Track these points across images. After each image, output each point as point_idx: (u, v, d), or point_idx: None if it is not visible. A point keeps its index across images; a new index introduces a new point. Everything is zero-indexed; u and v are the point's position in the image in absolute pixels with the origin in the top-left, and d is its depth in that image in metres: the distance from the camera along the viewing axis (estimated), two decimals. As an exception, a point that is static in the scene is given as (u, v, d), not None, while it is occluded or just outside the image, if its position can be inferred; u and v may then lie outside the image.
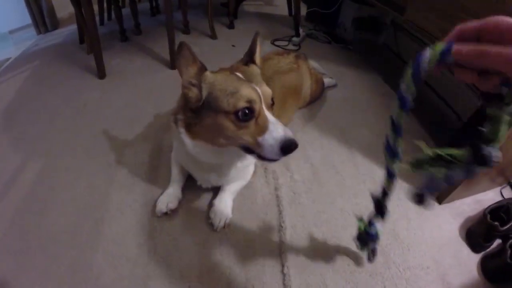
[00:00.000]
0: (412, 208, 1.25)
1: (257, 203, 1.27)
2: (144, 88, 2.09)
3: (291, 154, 0.91)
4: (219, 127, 0.96)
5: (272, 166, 1.43)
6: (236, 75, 1.00)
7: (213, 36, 2.69)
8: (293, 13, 2.93)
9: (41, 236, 1.21)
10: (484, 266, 1.11)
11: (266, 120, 0.93)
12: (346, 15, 2.69)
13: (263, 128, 0.92)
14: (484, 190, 1.38)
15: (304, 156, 1.48)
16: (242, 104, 0.91)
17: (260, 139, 0.92)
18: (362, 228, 0.95)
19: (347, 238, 1.13)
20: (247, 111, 0.92)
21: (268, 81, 1.36)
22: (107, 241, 1.17)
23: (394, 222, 1.19)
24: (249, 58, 1.10)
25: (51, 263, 1.11)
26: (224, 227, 1.18)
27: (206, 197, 1.30)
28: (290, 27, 2.89)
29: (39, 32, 3.36)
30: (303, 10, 3.04)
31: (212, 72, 1.00)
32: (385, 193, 0.80)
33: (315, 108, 1.83)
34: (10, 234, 1.23)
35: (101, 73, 2.18)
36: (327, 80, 1.97)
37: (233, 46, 2.57)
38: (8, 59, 2.79)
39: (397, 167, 0.70)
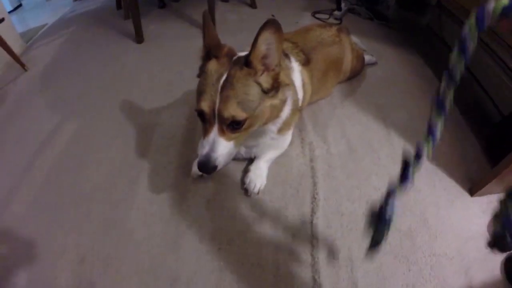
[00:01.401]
0: (444, 196, 1.22)
1: (292, 172, 1.28)
2: (182, 53, 2.10)
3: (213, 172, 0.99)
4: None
5: (309, 137, 1.43)
6: (219, 83, 0.96)
7: (253, 5, 2.66)
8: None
9: (74, 192, 1.28)
10: (507, 268, 1.08)
11: (207, 135, 0.98)
12: (390, -9, 2.58)
13: (204, 135, 1.00)
14: None
15: (341, 131, 1.47)
16: (197, 107, 0.99)
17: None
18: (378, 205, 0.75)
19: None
20: (200, 115, 1.00)
21: (310, 52, 1.36)
22: (141, 199, 1.22)
23: (425, 208, 1.17)
24: (246, 60, 0.97)
25: (84, 218, 1.18)
26: (258, 193, 1.20)
27: (241, 163, 1.32)
28: (332, 1, 2.81)
29: (74, -1, 3.39)
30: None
31: (214, 60, 1.01)
32: (418, 155, 0.67)
33: (354, 84, 1.80)
34: (44, 190, 1.30)
35: (139, 38, 2.22)
36: (367, 57, 1.92)
37: (272, 16, 2.53)
38: (44, 25, 2.84)
39: (441, 121, 0.64)
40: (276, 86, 1.02)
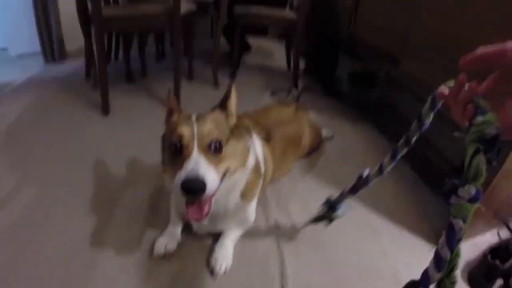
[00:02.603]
0: (412, 255, 1.27)
1: (258, 250, 1.29)
2: (147, 129, 2.10)
3: (203, 195, 0.91)
4: (166, 160, 1.07)
5: (273, 214, 1.46)
6: (192, 117, 1.06)
7: (215, 84, 2.83)
8: (292, 67, 3.08)
9: (26, 265, 1.19)
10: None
11: (188, 158, 0.94)
12: (342, 69, 2.83)
13: (183, 166, 0.93)
14: (481, 233, 1.39)
15: (304, 204, 1.52)
16: (173, 139, 0.98)
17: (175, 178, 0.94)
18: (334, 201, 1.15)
19: (351, 285, 1.16)
20: (177, 146, 0.98)
21: (270, 130, 1.44)
22: (100, 280, 1.14)
23: (396, 270, 1.21)
24: (221, 103, 1.16)
25: None
26: (224, 273, 1.18)
27: (206, 242, 1.31)
28: (289, 79, 3.03)
29: (46, 60, 3.46)
30: (301, 65, 3.19)
31: (180, 114, 1.12)
32: (366, 179, 1.01)
33: (313, 159, 1.89)
34: None
35: (105, 110, 2.26)
36: (324, 132, 2.06)
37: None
38: (11, 82, 2.83)
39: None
40: (237, 129, 1.14)
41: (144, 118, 2.27)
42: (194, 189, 0.89)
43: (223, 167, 1.02)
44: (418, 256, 1.26)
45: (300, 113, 1.78)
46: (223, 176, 1.03)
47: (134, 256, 1.23)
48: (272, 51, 4.11)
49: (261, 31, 4.51)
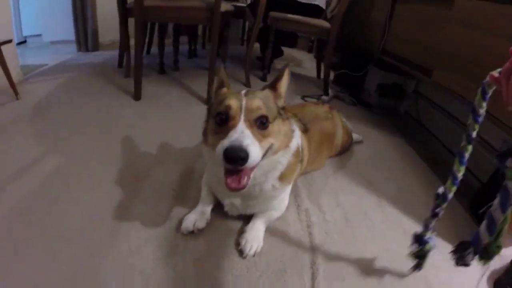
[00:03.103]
0: (440, 258, 1.22)
1: (289, 237, 1.27)
2: (178, 115, 2.17)
3: (244, 166, 0.91)
4: (209, 131, 1.06)
5: (304, 204, 1.45)
6: (241, 92, 1.07)
7: (247, 84, 2.84)
8: (323, 75, 3.11)
9: (45, 228, 1.16)
10: None
11: (233, 128, 0.94)
12: (372, 81, 2.84)
13: (227, 135, 0.93)
14: (506, 246, 1.36)
15: (335, 200, 1.50)
16: (220, 109, 0.99)
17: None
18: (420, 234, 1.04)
19: (381, 281, 1.12)
20: (223, 116, 0.99)
21: (307, 123, 1.44)
22: (121, 250, 1.11)
23: (424, 271, 1.15)
24: (271, 84, 1.17)
25: (50, 260, 1.05)
26: (253, 255, 1.15)
27: (236, 223, 1.30)
28: (318, 88, 3.05)
29: (79, 49, 3.56)
30: (331, 75, 3.22)
31: (229, 88, 1.15)
32: (445, 195, 0.94)
33: (344, 159, 1.88)
34: (9, 218, 1.19)
35: (137, 95, 2.30)
36: (355, 136, 2.05)
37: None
38: (45, 65, 2.92)
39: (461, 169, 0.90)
40: (284, 111, 1.14)
41: (174, 106, 2.31)
42: (237, 157, 0.88)
43: (266, 143, 1.02)
44: (445, 257, 1.21)
45: (334, 113, 1.78)
46: (266, 152, 1.03)
47: (159, 231, 1.22)
48: (301, 60, 4.16)
49: (291, 43, 4.57)
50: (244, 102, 1.00)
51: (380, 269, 1.17)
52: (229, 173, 0.96)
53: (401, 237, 1.33)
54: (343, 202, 1.49)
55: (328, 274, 1.12)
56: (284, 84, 1.17)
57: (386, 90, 2.74)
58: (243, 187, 0.95)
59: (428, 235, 1.01)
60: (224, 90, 1.14)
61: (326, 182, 1.63)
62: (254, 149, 0.93)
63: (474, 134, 0.84)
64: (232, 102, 0.99)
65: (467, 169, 1.73)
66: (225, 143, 0.91)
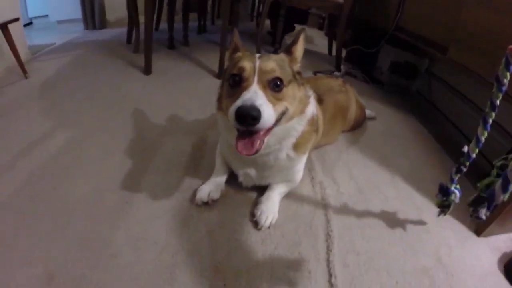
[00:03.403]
0: (453, 237, 1.22)
1: (304, 209, 1.26)
2: (188, 88, 2.16)
3: (256, 126, 0.89)
4: (223, 94, 1.05)
5: (318, 177, 1.44)
6: (255, 55, 1.05)
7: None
8: (335, 52, 3.07)
9: (54, 200, 1.17)
10: (508, 270, 1.10)
11: (246, 89, 0.93)
12: (384, 58, 2.78)
13: (240, 96, 0.92)
14: None
15: (349, 173, 1.49)
16: (234, 71, 0.98)
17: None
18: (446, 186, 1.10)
19: (394, 255, 1.11)
20: (236, 78, 0.97)
21: (321, 94, 1.41)
22: (133, 221, 1.11)
23: (437, 248, 1.17)
24: (287, 49, 1.15)
25: (60, 231, 1.05)
26: (269, 226, 1.15)
27: (250, 194, 1.29)
28: (330, 64, 3.00)
29: (86, 27, 3.53)
30: (342, 52, 3.16)
31: (244, 52, 1.13)
32: (469, 155, 0.99)
33: (357, 135, 1.87)
34: (21, 191, 1.20)
35: (147, 70, 2.29)
36: (368, 111, 2.02)
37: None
38: (52, 44, 2.91)
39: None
40: (300, 76, 1.13)
41: (184, 80, 2.30)
42: (248, 116, 0.86)
43: (280, 106, 0.99)
44: (459, 238, 1.23)
45: (347, 87, 1.75)
46: (280, 117, 1.01)
47: (172, 202, 1.21)
48: (312, 37, 4.10)
49: (301, 20, 4.48)
50: (258, 63, 0.98)
51: (394, 245, 1.16)
52: (241, 136, 0.95)
53: (414, 212, 1.32)
54: (356, 176, 1.48)
55: (342, 247, 1.12)
56: (300, 48, 1.15)
57: (398, 68, 2.69)
58: (256, 152, 0.94)
59: (453, 187, 1.08)
60: (239, 53, 1.13)
61: (340, 156, 1.62)
62: (267, 109, 0.91)
63: (497, 102, 0.88)
64: (246, 64, 0.98)
65: (481, 154, 1.73)
66: (238, 102, 0.90)
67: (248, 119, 0.86)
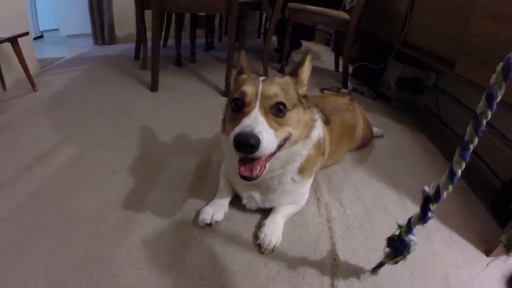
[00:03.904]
0: (461, 258, 1.19)
1: (308, 232, 1.23)
2: (195, 106, 2.17)
3: (257, 154, 0.86)
4: (226, 117, 1.03)
5: (324, 198, 1.41)
6: (260, 78, 1.04)
7: (266, 75, 2.81)
8: (342, 68, 3.06)
9: (58, 216, 1.16)
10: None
11: (247, 114, 0.91)
12: (391, 74, 2.77)
13: (240, 122, 0.90)
14: None
15: (356, 194, 1.46)
16: (236, 95, 0.96)
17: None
18: (397, 232, 0.91)
19: (401, 279, 1.08)
20: (239, 102, 0.95)
21: (328, 114, 1.40)
22: (135, 240, 1.10)
23: (445, 270, 1.13)
24: (292, 71, 1.12)
25: (63, 247, 1.05)
26: (272, 250, 1.12)
27: (254, 216, 1.27)
28: (337, 80, 2.99)
29: (96, 43, 3.59)
30: (349, 68, 3.15)
31: (249, 74, 1.11)
32: (438, 194, 0.78)
33: (364, 153, 1.84)
34: (24, 206, 1.20)
35: (154, 87, 2.30)
36: (375, 129, 2.00)
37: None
38: (62, 58, 2.96)
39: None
40: (306, 99, 1.10)
41: (191, 98, 2.30)
42: (246, 144, 0.83)
43: (283, 132, 0.97)
44: (467, 259, 1.19)
45: (355, 105, 1.73)
46: (283, 142, 0.99)
47: (175, 223, 1.20)
48: (319, 53, 4.10)
49: (308, 36, 4.51)
50: (260, 88, 0.96)
51: (401, 268, 1.12)
52: (242, 161, 0.93)
53: (422, 234, 1.28)
54: (363, 196, 1.45)
55: (348, 272, 1.08)
56: (306, 70, 1.12)
57: (405, 84, 2.67)
58: (256, 178, 0.92)
59: (409, 237, 0.89)
60: (243, 76, 1.11)
61: (347, 176, 1.59)
62: (267, 136, 0.88)
63: (484, 122, 0.68)
64: (248, 88, 0.96)
65: (487, 167, 1.69)
66: (237, 129, 0.88)
67: (246, 147, 0.84)
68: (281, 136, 0.96)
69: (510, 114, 1.31)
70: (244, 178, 0.92)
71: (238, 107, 0.96)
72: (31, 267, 0.98)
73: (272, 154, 0.96)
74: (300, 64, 1.11)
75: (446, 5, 1.98)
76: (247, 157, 0.90)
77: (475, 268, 1.16)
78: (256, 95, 0.95)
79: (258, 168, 0.92)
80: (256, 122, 0.89)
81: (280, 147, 0.98)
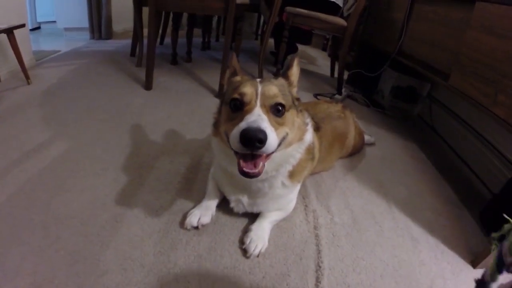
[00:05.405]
0: (448, 269, 1.20)
1: (295, 238, 1.23)
2: (188, 106, 2.16)
3: (261, 150, 0.86)
4: (222, 118, 1.02)
5: (312, 205, 1.41)
6: (256, 79, 1.04)
7: (261, 77, 2.81)
8: (337, 74, 3.07)
9: (46, 213, 1.16)
10: None
11: (249, 112, 0.91)
12: (386, 82, 2.79)
13: (243, 119, 0.90)
14: None
15: (344, 202, 1.46)
16: (235, 95, 0.95)
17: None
18: None
19: (386, 288, 1.07)
20: (238, 102, 0.95)
21: (319, 121, 1.40)
22: (122, 240, 1.10)
23: (431, 281, 1.14)
24: (282, 74, 1.15)
25: (50, 244, 1.04)
26: (258, 255, 1.12)
27: (241, 221, 1.26)
28: (331, 86, 3.00)
29: (92, 37, 3.57)
30: (344, 74, 3.16)
31: (242, 76, 1.11)
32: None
33: (355, 161, 1.84)
34: (12, 200, 1.19)
35: (148, 85, 2.30)
36: (367, 137, 2.00)
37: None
38: (57, 51, 2.94)
39: None
40: (297, 101, 1.12)
41: (185, 98, 2.30)
42: (255, 138, 0.83)
43: (282, 131, 0.98)
44: (454, 270, 1.20)
45: (347, 113, 1.73)
46: (281, 142, 0.99)
47: (162, 224, 1.20)
48: (315, 58, 4.11)
49: (305, 40, 4.51)
50: (260, 88, 0.97)
51: (386, 279, 1.13)
52: (244, 158, 0.92)
53: (409, 243, 1.29)
54: (352, 204, 1.46)
55: (332, 280, 1.08)
56: (295, 72, 1.15)
57: (400, 93, 2.69)
58: (258, 174, 0.92)
59: None
60: (238, 77, 1.11)
61: (336, 184, 1.59)
62: (272, 134, 0.89)
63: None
64: (248, 88, 0.96)
65: (478, 178, 1.71)
66: (242, 125, 0.87)
67: (254, 142, 0.83)
68: (280, 135, 0.97)
69: (502, 128, 1.32)
70: (246, 174, 0.91)
71: (237, 107, 0.97)
72: (19, 262, 0.97)
73: (270, 155, 0.97)
74: (288, 67, 1.15)
75: (443, 16, 1.99)
76: (252, 153, 0.90)
77: (461, 280, 1.17)
78: (256, 95, 0.96)
79: (260, 164, 0.92)
80: (261, 118, 0.90)
81: (278, 147, 0.98)
